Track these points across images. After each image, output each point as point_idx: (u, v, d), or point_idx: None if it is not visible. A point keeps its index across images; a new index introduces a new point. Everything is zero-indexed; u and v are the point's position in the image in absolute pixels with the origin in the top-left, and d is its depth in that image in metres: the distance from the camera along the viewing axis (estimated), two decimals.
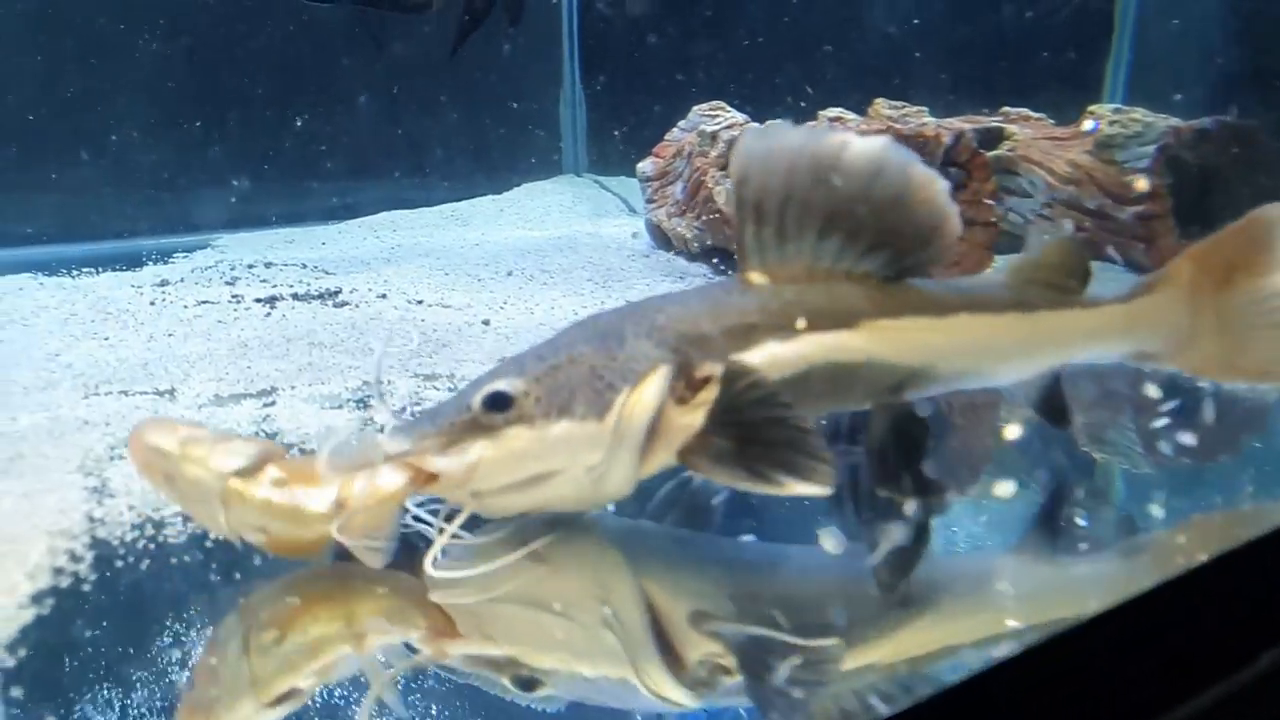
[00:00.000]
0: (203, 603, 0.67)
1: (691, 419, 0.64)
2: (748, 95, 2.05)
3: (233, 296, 1.46)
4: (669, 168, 1.73)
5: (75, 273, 1.71)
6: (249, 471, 0.63)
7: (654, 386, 0.64)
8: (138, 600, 0.68)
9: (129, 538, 0.73)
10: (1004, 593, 0.68)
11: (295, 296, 1.45)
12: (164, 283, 1.59)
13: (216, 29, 2.24)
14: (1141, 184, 1.33)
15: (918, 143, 1.29)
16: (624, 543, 0.73)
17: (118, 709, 0.55)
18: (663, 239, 1.78)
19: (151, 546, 0.72)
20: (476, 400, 0.64)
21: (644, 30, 2.65)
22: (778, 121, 0.68)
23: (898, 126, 1.29)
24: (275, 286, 1.53)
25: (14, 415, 0.99)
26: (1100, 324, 0.76)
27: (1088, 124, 1.48)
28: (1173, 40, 2.30)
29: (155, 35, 2.19)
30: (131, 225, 2.20)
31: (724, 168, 1.50)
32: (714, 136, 1.55)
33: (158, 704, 0.55)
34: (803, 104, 1.76)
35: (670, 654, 0.57)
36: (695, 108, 1.80)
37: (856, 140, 0.66)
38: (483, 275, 1.62)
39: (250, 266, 1.70)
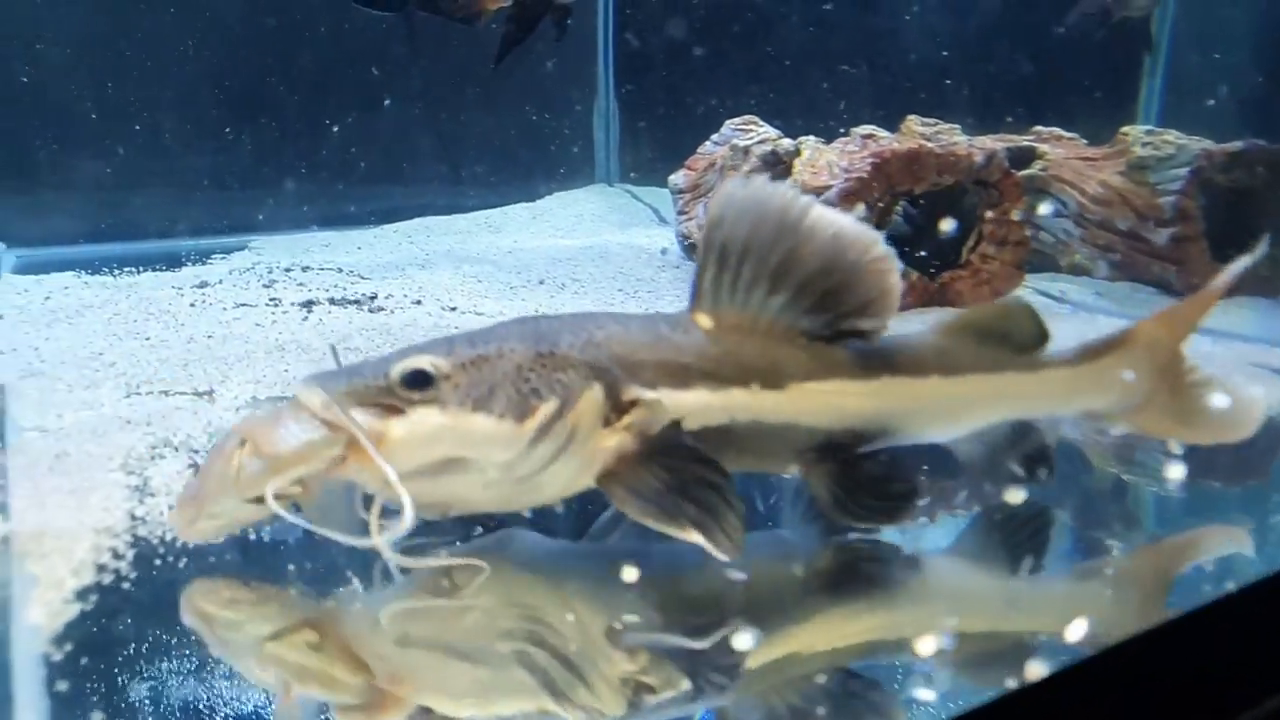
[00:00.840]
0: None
1: (613, 441, 0.65)
2: (780, 110, 2.05)
3: (270, 299, 1.48)
4: (701, 180, 1.74)
5: (117, 272, 1.74)
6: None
7: (590, 411, 0.64)
8: (176, 598, 0.69)
9: (169, 537, 0.75)
10: (957, 601, 0.69)
11: (332, 301, 1.47)
12: (203, 284, 1.62)
13: (257, 33, 2.28)
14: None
15: (949, 161, 1.29)
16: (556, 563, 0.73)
17: (155, 701, 0.57)
18: (693, 250, 1.79)
19: (190, 546, 0.74)
20: (395, 371, 0.63)
21: (678, 43, 2.66)
22: (759, 177, 0.69)
23: (930, 144, 1.29)
24: (312, 290, 1.55)
25: (60, 412, 1.01)
26: (1038, 388, 0.74)
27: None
28: (1207, 65, 2.28)
29: (196, 38, 2.23)
30: (171, 225, 2.23)
31: None
32: (746, 151, 1.56)
33: (189, 698, 0.57)
34: (834, 124, 1.77)
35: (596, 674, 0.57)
36: (728, 122, 1.81)
37: (822, 209, 0.67)
38: (515, 283, 1.64)
39: (287, 270, 1.72)
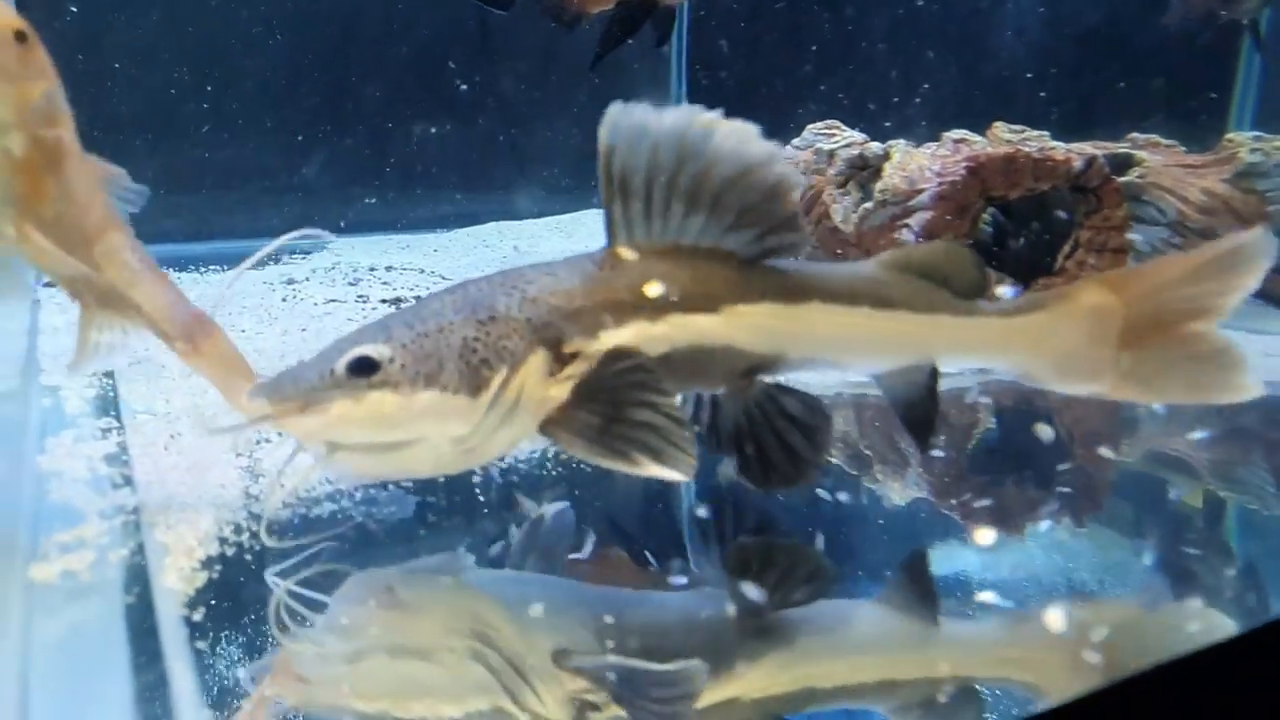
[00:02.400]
0: (345, 576, 0.72)
1: (556, 392, 0.66)
2: (856, 116, 2.06)
3: (358, 297, 1.53)
4: None
5: (203, 269, 1.81)
6: None
7: (535, 371, 0.66)
8: (293, 568, 0.73)
9: (285, 514, 0.79)
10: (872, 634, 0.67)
11: (418, 299, 1.51)
12: (291, 281, 1.68)
13: (335, 41, 2.36)
14: None
15: (1046, 166, 1.28)
16: (483, 587, 0.72)
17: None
18: None
19: (300, 523, 0.78)
20: (341, 365, 0.65)
21: (750, 49, 2.68)
22: (641, 104, 0.68)
23: (1025, 149, 1.30)
24: (398, 289, 1.60)
25: (168, 397, 1.06)
26: (967, 334, 0.74)
27: None
28: None
29: (276, 46, 2.31)
30: (250, 226, 2.31)
31: (842, 185, 1.52)
32: (831, 155, 1.57)
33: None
34: (909, 132, 1.77)
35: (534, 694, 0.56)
36: (809, 126, 1.82)
37: (724, 123, 0.67)
38: None
39: (371, 269, 1.78)
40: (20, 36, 0.68)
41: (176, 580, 0.67)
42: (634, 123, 0.67)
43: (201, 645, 0.60)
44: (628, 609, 0.68)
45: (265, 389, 0.67)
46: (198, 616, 0.63)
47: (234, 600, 0.67)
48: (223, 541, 0.74)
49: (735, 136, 0.68)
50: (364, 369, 0.65)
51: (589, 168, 2.24)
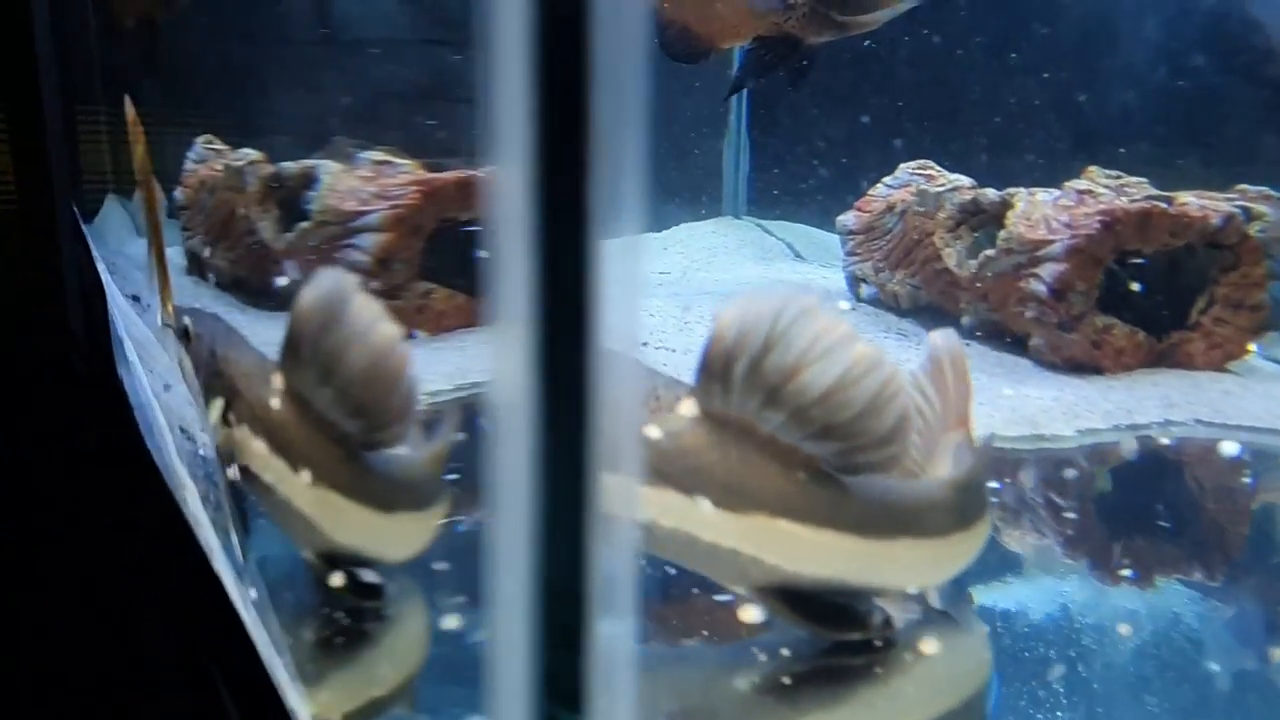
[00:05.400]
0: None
1: None
2: (915, 152, 2.07)
3: None
4: (877, 223, 1.76)
5: None
6: None
7: None
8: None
9: None
10: None
11: None
12: None
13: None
14: None
15: (1183, 222, 1.29)
16: None
17: None
18: (861, 291, 1.81)
19: None
20: None
21: (810, 77, 2.69)
22: (769, 295, 0.60)
23: (1162, 205, 1.30)
24: None
25: None
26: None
27: None
28: None
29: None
30: None
31: (953, 229, 1.52)
32: (938, 198, 1.58)
33: None
34: (977, 173, 1.77)
35: None
36: (902, 165, 1.84)
37: (823, 317, 0.59)
38: (688, 318, 1.66)
39: None
40: None
41: None
42: (752, 314, 0.59)
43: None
44: None
45: None
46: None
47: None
48: None
49: (830, 334, 0.59)
50: None
51: (672, 178, 2.23)
